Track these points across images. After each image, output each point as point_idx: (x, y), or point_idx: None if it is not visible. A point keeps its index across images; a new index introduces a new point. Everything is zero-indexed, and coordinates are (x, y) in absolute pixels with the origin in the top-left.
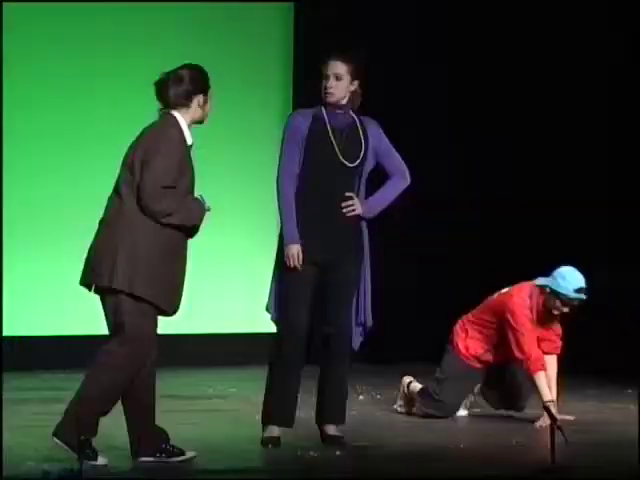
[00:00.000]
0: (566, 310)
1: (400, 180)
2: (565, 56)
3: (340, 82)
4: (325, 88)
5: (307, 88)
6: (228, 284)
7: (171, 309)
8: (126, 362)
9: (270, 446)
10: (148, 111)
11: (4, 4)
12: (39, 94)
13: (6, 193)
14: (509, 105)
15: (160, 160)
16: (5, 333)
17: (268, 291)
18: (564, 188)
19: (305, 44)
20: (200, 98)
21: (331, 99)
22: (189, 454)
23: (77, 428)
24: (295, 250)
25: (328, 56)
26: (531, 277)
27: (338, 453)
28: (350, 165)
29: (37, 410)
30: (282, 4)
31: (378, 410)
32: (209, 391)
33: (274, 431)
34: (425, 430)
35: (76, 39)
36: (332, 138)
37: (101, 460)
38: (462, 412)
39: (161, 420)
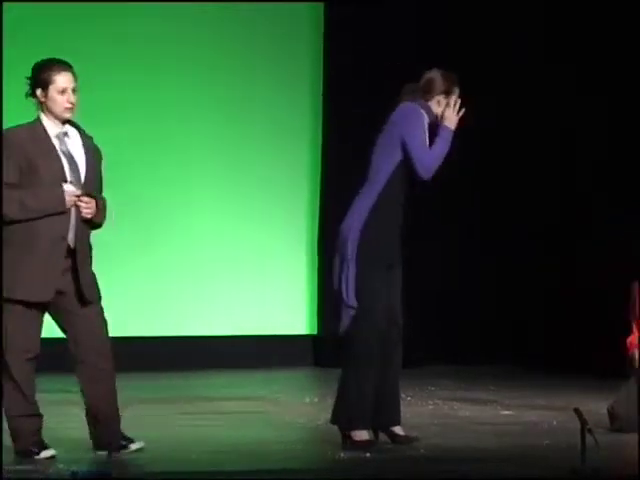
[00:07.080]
0: None
1: None
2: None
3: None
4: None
5: (337, 87)
6: (261, 287)
7: (36, 297)
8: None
9: (366, 450)
10: (165, 111)
11: (4, 4)
12: None
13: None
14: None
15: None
16: None
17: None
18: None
19: (336, 43)
20: (39, 92)
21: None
22: (138, 444)
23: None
24: None
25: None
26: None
27: (368, 455)
28: None
29: None
30: (312, 3)
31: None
32: (238, 393)
33: (365, 434)
34: (457, 431)
35: (75, 40)
36: None
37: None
38: None
39: (192, 421)
